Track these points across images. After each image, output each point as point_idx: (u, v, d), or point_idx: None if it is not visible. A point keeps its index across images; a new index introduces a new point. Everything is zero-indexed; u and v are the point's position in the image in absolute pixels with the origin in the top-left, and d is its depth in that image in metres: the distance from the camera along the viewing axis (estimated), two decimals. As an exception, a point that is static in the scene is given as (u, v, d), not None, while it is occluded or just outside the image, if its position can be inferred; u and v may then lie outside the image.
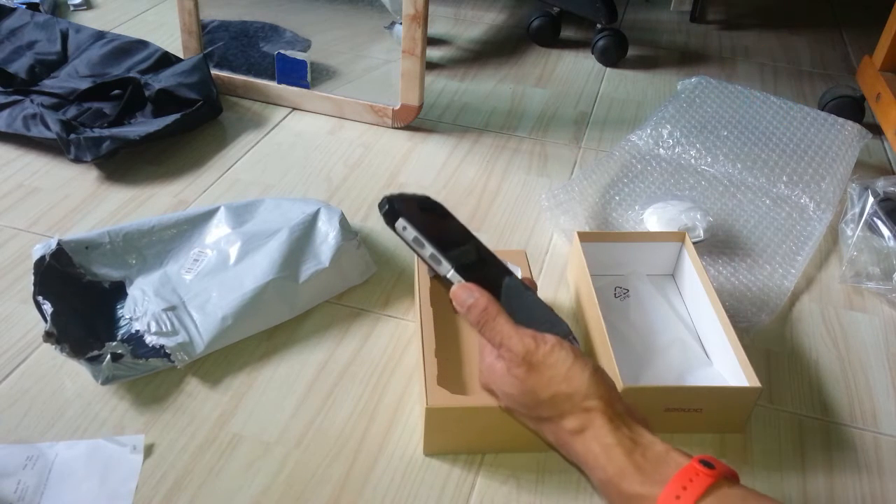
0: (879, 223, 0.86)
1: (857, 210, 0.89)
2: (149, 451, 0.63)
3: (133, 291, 0.75)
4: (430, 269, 0.55)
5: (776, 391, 0.73)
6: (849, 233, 0.89)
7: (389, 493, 0.61)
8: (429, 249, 0.54)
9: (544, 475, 0.64)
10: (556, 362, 0.49)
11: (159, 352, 0.69)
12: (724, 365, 0.69)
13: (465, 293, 0.53)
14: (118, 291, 0.75)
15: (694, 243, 0.81)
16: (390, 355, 0.74)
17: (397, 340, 0.75)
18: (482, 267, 0.56)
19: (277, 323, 0.75)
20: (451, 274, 0.54)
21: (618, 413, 0.48)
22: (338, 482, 0.62)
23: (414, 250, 0.55)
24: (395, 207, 0.54)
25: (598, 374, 0.49)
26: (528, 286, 0.58)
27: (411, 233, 0.54)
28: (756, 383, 0.64)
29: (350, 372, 0.72)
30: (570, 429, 0.48)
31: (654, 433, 0.48)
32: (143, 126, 0.99)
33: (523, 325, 0.52)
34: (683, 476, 0.43)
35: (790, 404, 0.72)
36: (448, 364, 0.67)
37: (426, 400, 0.60)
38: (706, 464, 0.44)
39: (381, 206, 0.55)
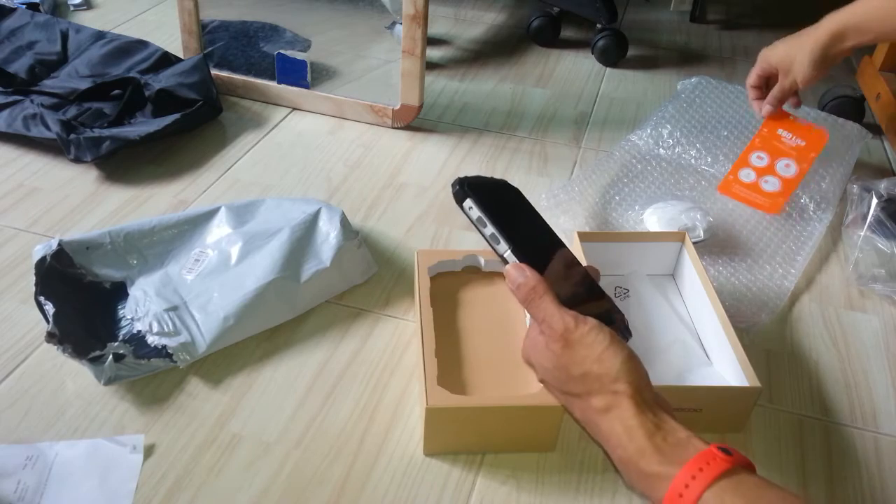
0: (883, 225, 0.86)
1: (860, 212, 0.89)
2: (149, 451, 0.63)
3: (134, 292, 0.75)
4: (492, 247, 0.58)
5: (776, 391, 0.73)
6: (853, 235, 0.89)
7: (389, 493, 0.61)
8: (490, 229, 0.56)
9: (544, 475, 0.64)
10: (591, 343, 0.51)
11: (161, 352, 0.69)
12: (724, 365, 0.69)
13: (516, 272, 0.55)
14: (119, 292, 0.75)
15: (694, 243, 0.81)
16: (390, 355, 0.74)
17: (397, 340, 0.75)
18: (543, 251, 0.58)
19: (279, 323, 0.75)
20: (507, 253, 0.56)
21: (645, 399, 0.49)
22: (338, 482, 0.62)
23: (477, 229, 0.57)
24: (465, 189, 0.57)
25: (632, 361, 0.50)
26: (590, 275, 0.60)
27: (476, 212, 0.57)
28: (756, 383, 0.64)
29: (350, 372, 0.72)
30: (597, 407, 0.50)
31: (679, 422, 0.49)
32: (143, 126, 0.99)
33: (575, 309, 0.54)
34: (701, 459, 0.44)
35: (790, 404, 0.72)
36: (448, 364, 0.67)
37: (426, 400, 0.60)
38: (724, 450, 0.45)
39: (453, 185, 0.58)
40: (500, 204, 0.59)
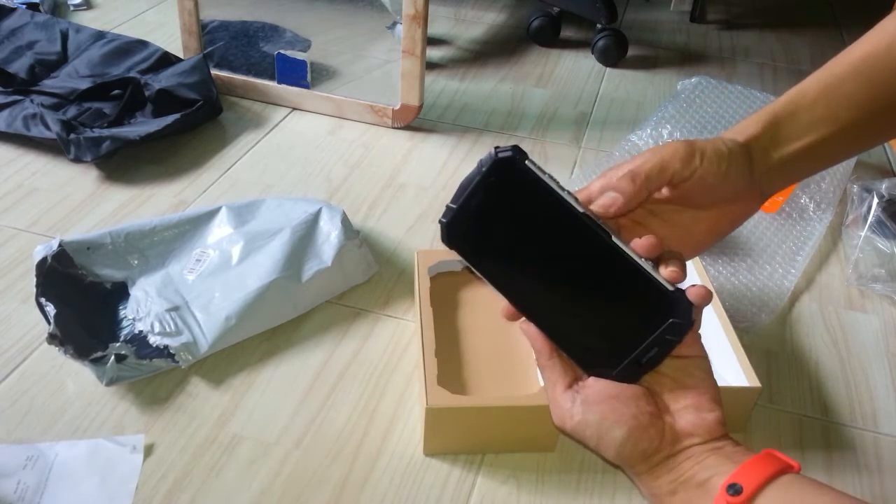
0: (883, 225, 0.86)
1: (860, 212, 0.89)
2: (149, 451, 0.63)
3: (135, 292, 0.75)
4: None
5: (776, 391, 0.73)
6: (853, 235, 0.89)
7: (389, 494, 0.61)
8: (485, 281, 0.48)
9: (544, 475, 0.64)
10: (586, 439, 0.48)
11: (163, 352, 0.69)
12: (724, 365, 0.69)
13: (524, 330, 0.50)
14: (120, 292, 0.75)
15: (694, 243, 0.81)
16: (390, 355, 0.74)
17: (397, 340, 0.75)
18: (560, 282, 0.47)
19: (280, 322, 0.75)
20: (508, 305, 0.48)
21: (658, 462, 0.47)
22: (338, 482, 0.62)
23: None
24: (449, 238, 0.46)
25: (632, 438, 0.46)
26: (635, 265, 0.46)
27: (465, 263, 0.48)
28: (756, 383, 0.64)
29: (350, 372, 0.72)
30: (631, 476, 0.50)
31: (717, 440, 0.48)
32: (143, 126, 0.99)
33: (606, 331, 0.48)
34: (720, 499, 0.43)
35: (790, 404, 0.72)
36: (448, 364, 0.67)
37: (426, 400, 0.60)
38: (734, 490, 0.43)
39: (440, 222, 0.47)
40: (498, 239, 0.46)
